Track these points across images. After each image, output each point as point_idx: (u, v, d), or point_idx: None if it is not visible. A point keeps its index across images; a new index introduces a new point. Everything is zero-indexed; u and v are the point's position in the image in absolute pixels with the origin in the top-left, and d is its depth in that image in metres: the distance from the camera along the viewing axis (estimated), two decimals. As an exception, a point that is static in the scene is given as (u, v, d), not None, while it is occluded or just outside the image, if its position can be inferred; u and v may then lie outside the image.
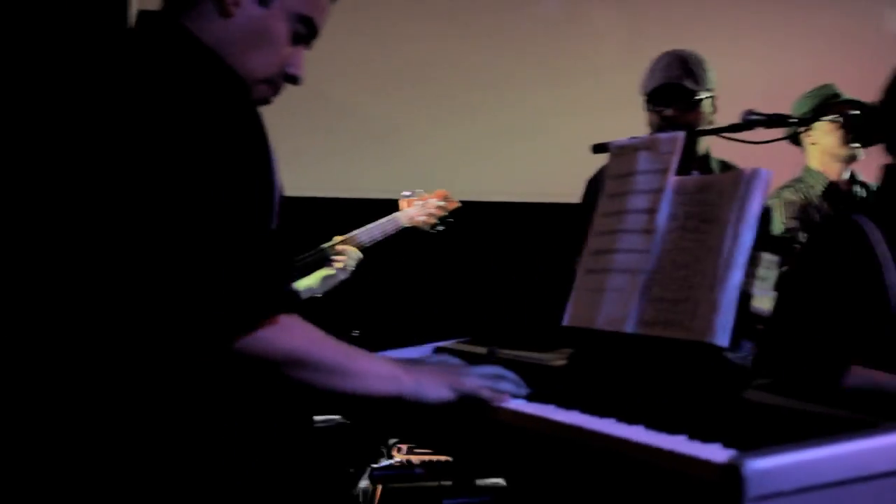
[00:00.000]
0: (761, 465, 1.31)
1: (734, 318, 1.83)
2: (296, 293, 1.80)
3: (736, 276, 1.84)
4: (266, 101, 1.94)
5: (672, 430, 1.58)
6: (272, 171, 1.78)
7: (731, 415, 1.67)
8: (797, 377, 2.13)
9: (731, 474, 1.31)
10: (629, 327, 2.01)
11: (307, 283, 4.15)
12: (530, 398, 1.91)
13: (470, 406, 1.89)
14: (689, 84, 3.80)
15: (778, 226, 4.32)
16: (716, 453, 1.41)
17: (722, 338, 1.82)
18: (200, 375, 1.71)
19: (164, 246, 1.63)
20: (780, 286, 2.33)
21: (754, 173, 1.89)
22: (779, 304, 2.32)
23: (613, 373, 2.00)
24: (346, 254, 4.19)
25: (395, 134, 5.66)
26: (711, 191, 1.97)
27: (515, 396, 1.91)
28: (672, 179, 2.07)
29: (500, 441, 1.89)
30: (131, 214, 1.64)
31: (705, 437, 1.52)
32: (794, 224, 4.36)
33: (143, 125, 1.66)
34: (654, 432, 1.60)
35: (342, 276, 4.19)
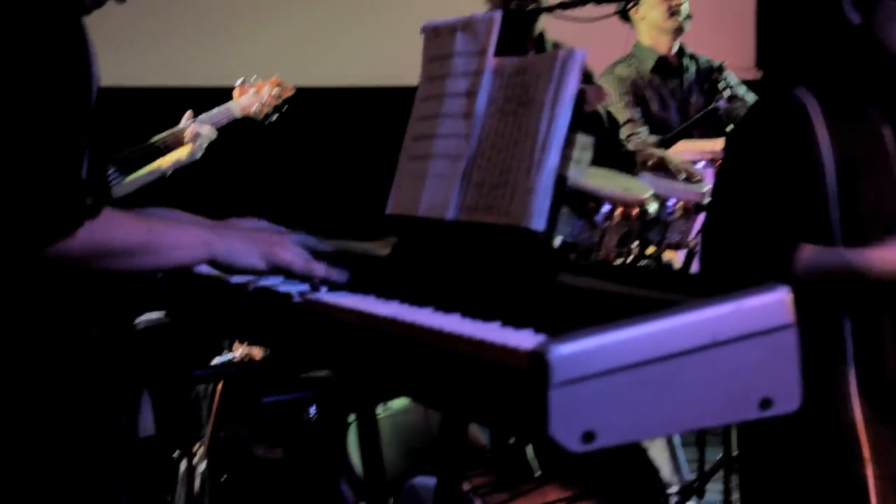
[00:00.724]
0: (566, 349, 1.31)
1: (551, 201, 1.83)
2: (101, 185, 1.79)
3: (552, 160, 1.83)
4: (86, 11, 1.87)
5: (487, 317, 1.58)
6: (86, 65, 1.73)
7: (544, 300, 1.68)
8: (748, 263, 2.15)
9: (536, 360, 1.31)
10: (450, 214, 2.00)
11: (152, 167, 4.05)
12: (352, 289, 1.90)
13: (288, 297, 1.86)
14: None
15: (613, 98, 4.37)
16: (525, 340, 1.41)
17: (538, 221, 1.82)
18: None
19: None
20: (723, 164, 2.35)
21: (569, 54, 1.87)
22: (722, 184, 2.34)
23: (434, 261, 2.00)
24: (198, 133, 4.09)
25: (226, 20, 5.51)
26: (529, 73, 1.95)
27: (326, 283, 1.89)
28: (491, 61, 2.04)
29: (322, 333, 1.87)
30: None
31: (518, 324, 1.52)
32: (627, 98, 4.41)
33: None
34: (470, 320, 1.61)
35: (196, 156, 4.10)
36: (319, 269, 1.90)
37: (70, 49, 1.71)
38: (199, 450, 3.67)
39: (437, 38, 2.14)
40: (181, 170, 4.08)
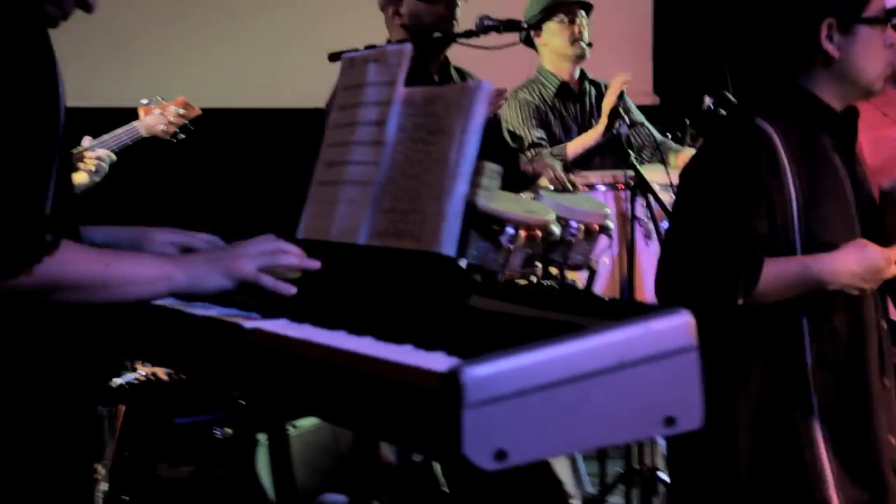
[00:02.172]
0: (479, 371, 1.36)
1: (460, 227, 1.88)
2: (66, 211, 1.75)
3: (461, 187, 1.88)
4: (53, 24, 1.83)
5: (399, 340, 1.62)
6: (56, 89, 1.68)
7: (455, 323, 1.73)
8: (714, 283, 2.20)
9: (450, 382, 1.35)
10: (362, 238, 2.04)
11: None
12: (263, 313, 1.92)
13: (192, 319, 1.87)
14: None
15: (514, 123, 4.45)
16: (437, 362, 1.45)
17: (448, 247, 1.87)
18: None
19: None
20: (685, 190, 2.41)
21: (477, 85, 1.93)
22: (684, 208, 2.39)
23: (346, 285, 2.03)
24: (99, 157, 4.06)
25: (133, 41, 5.47)
26: (438, 102, 2.00)
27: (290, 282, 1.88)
28: (401, 91, 2.09)
29: (235, 356, 1.89)
30: None
31: (430, 346, 1.57)
32: (531, 122, 4.49)
33: None
34: (383, 343, 1.64)
35: (95, 179, 4.07)
36: (290, 264, 1.89)
37: (35, 67, 1.66)
38: (102, 470, 3.64)
39: (352, 68, 2.19)
40: (90, 190, 4.05)
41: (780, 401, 2.30)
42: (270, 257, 1.88)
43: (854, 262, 2.23)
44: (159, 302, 2.02)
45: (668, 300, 2.33)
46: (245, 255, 1.86)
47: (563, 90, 4.62)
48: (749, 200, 2.25)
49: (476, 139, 1.89)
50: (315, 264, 1.89)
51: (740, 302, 2.21)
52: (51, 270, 1.65)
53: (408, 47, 2.07)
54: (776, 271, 2.23)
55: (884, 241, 2.32)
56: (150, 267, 1.81)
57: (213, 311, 1.93)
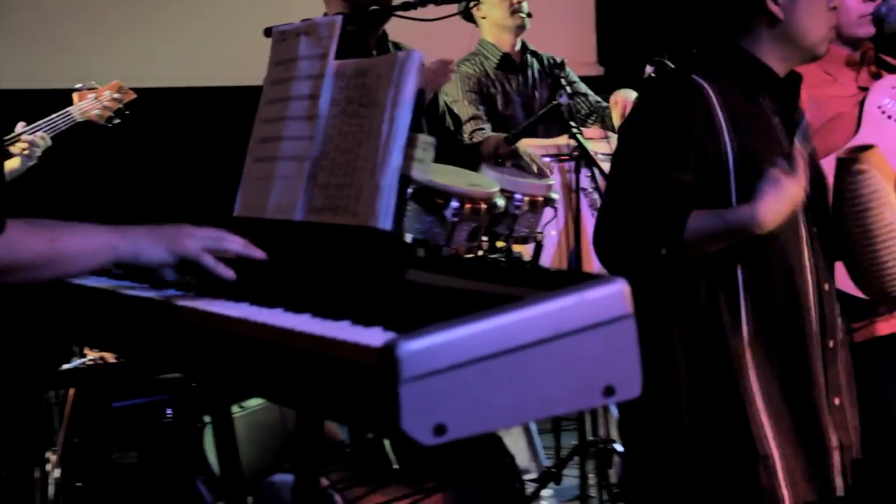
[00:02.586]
0: (415, 345, 1.34)
1: (395, 200, 1.86)
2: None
3: (395, 160, 1.87)
4: None
5: (337, 316, 1.61)
6: None
7: (393, 297, 1.71)
8: (641, 230, 2.20)
9: (386, 357, 1.34)
10: (298, 215, 2.02)
11: None
12: (200, 292, 1.90)
13: (136, 300, 1.85)
14: None
15: (454, 97, 4.42)
16: (374, 337, 1.44)
17: (385, 221, 1.85)
18: None
19: None
20: (620, 145, 2.40)
21: (408, 56, 1.91)
22: (619, 161, 2.39)
23: (283, 262, 2.01)
24: (31, 141, 4.01)
25: (67, 21, 5.39)
26: (369, 75, 1.98)
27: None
28: (333, 64, 2.06)
29: (172, 335, 1.86)
30: None
31: (367, 322, 1.55)
32: (471, 96, 4.47)
33: None
34: (320, 320, 1.63)
35: (29, 164, 4.02)
36: (232, 250, 1.87)
37: None
38: (53, 457, 3.60)
39: (284, 41, 2.16)
40: (26, 175, 3.99)
41: (717, 360, 2.30)
42: (215, 241, 1.86)
43: (772, 202, 2.23)
44: (96, 284, 1.99)
45: (601, 256, 2.33)
46: (191, 236, 1.85)
47: (505, 62, 4.60)
48: (674, 151, 2.26)
49: (408, 111, 1.87)
50: (259, 254, 1.87)
51: (663, 252, 2.21)
52: (2, 253, 1.63)
53: (338, 19, 2.04)
54: (699, 222, 2.24)
55: (833, 205, 2.34)
56: (94, 238, 1.78)
57: (151, 294, 1.91)
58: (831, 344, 2.39)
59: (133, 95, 4.36)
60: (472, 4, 4.22)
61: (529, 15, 4.57)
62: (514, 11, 4.56)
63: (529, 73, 4.67)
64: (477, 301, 1.51)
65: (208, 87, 5.56)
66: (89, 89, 4.31)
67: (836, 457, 2.37)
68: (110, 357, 3.67)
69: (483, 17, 4.60)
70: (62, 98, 4.28)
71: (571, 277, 1.48)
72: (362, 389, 1.42)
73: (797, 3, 2.34)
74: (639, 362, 1.46)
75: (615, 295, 1.44)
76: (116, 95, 4.31)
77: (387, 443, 3.03)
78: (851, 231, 2.40)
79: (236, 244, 1.88)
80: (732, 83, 2.34)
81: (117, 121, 4.34)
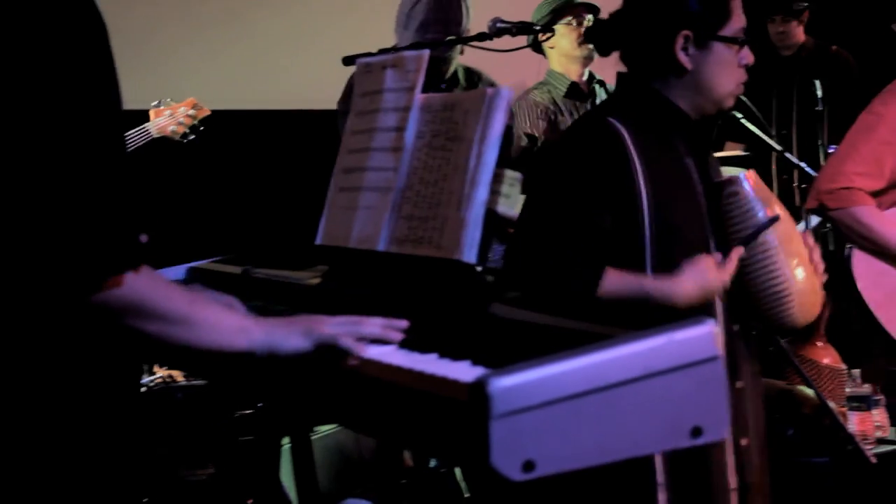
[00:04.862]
0: (506, 382, 1.36)
1: (481, 234, 1.88)
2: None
3: (481, 194, 1.89)
4: None
5: (424, 349, 1.63)
6: (117, 86, 1.58)
7: (478, 331, 1.73)
8: (552, 285, 2.21)
9: (477, 393, 1.36)
10: (381, 245, 2.05)
11: None
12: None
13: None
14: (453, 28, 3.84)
15: (523, 125, 4.45)
16: (463, 372, 1.46)
17: (469, 254, 1.87)
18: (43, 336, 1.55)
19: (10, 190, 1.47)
20: (532, 186, 2.42)
21: (497, 92, 1.93)
22: (532, 205, 2.40)
23: (366, 292, 2.03)
24: None
25: (144, 42, 5.47)
26: (457, 109, 2.00)
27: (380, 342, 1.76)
28: (419, 97, 2.09)
29: (260, 365, 1.89)
30: None
31: (455, 356, 1.57)
32: (541, 124, 4.50)
33: None
34: (406, 351, 1.65)
35: None
36: (369, 334, 1.74)
37: (111, 70, 1.56)
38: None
39: (369, 73, 2.19)
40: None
41: None
42: (353, 326, 1.75)
43: (691, 288, 2.23)
44: None
45: (511, 279, 2.27)
46: (327, 321, 1.75)
47: (573, 90, 4.62)
48: (591, 194, 2.26)
49: (495, 146, 1.89)
50: (397, 336, 1.75)
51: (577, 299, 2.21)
52: (140, 290, 1.55)
53: (425, 53, 2.07)
54: (615, 285, 2.23)
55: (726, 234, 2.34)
56: (230, 317, 1.70)
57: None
58: (738, 385, 2.38)
59: (207, 112, 4.43)
60: (542, 37, 4.24)
61: (598, 45, 4.59)
62: (582, 42, 4.58)
63: (597, 102, 4.68)
64: (563, 338, 1.53)
65: (280, 110, 5.62)
66: (165, 106, 4.39)
67: (734, 499, 2.35)
68: (179, 375, 3.72)
69: (551, 48, 4.62)
70: (138, 118, 4.36)
71: (659, 316, 1.49)
72: (450, 422, 1.44)
73: (707, 58, 2.35)
74: (727, 404, 1.47)
75: (705, 336, 1.45)
76: (191, 112, 4.39)
77: (457, 471, 3.04)
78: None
79: (374, 327, 1.75)
80: (647, 125, 2.35)
81: (192, 137, 4.42)
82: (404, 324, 1.74)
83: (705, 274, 2.24)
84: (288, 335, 1.71)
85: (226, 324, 1.67)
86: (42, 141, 1.48)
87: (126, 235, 1.54)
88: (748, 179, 2.34)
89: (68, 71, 1.51)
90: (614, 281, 2.22)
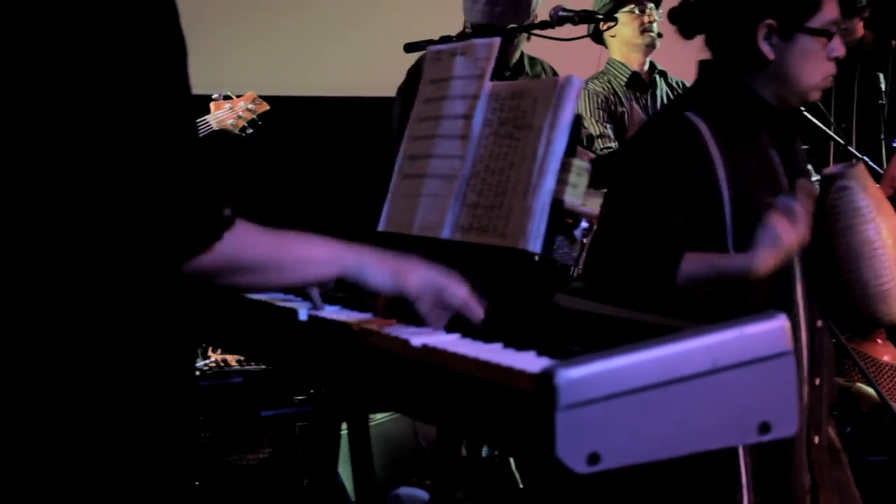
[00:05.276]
0: (573, 373, 1.35)
1: (547, 224, 1.87)
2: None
3: (549, 183, 1.87)
4: None
5: (488, 338, 1.62)
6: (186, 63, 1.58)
7: (543, 321, 1.72)
8: (632, 274, 2.20)
9: (544, 384, 1.35)
10: (445, 233, 2.04)
11: None
12: (349, 306, 1.93)
13: (293, 313, 1.87)
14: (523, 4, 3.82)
15: (585, 113, 4.43)
16: (529, 362, 1.45)
17: (535, 244, 1.86)
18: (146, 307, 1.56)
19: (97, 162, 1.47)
20: (611, 183, 2.41)
21: (567, 81, 1.91)
22: (611, 201, 2.39)
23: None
24: None
25: (199, 28, 5.50)
26: (525, 97, 1.99)
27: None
28: (487, 84, 2.08)
29: (323, 349, 1.89)
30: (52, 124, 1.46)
31: (520, 346, 1.56)
32: (600, 114, 4.47)
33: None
34: (471, 340, 1.64)
35: None
36: (455, 298, 1.74)
37: (171, 27, 1.55)
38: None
39: (439, 61, 2.18)
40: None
41: None
42: (439, 285, 1.75)
43: (769, 253, 2.20)
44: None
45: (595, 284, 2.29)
46: (418, 272, 1.76)
47: (634, 80, 4.59)
48: (667, 193, 2.23)
49: (564, 135, 1.88)
50: (477, 316, 1.74)
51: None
52: (232, 249, 1.56)
53: (496, 41, 2.06)
54: (692, 267, 2.21)
55: (820, 225, 2.30)
56: (321, 248, 1.71)
57: (300, 304, 1.93)
58: (818, 381, 2.35)
59: (266, 107, 4.54)
60: (605, 25, 4.22)
61: (660, 35, 4.56)
62: (645, 30, 4.55)
63: (657, 92, 4.65)
64: (629, 330, 1.52)
65: (340, 97, 5.64)
66: (225, 98, 4.46)
67: (808, 501, 2.32)
68: (233, 359, 3.74)
69: (612, 36, 4.59)
70: (200, 105, 4.40)
71: (727, 309, 1.47)
72: (515, 413, 1.43)
73: (790, 49, 2.30)
74: (796, 400, 1.45)
75: (776, 331, 1.44)
76: (251, 106, 4.50)
77: (512, 461, 3.04)
78: (834, 250, 2.34)
79: (458, 298, 1.75)
80: (728, 117, 2.31)
81: (250, 131, 4.50)
82: (481, 311, 1.74)
83: (777, 235, 2.20)
84: (378, 270, 1.73)
85: (316, 256, 1.69)
86: (117, 119, 1.48)
87: (209, 207, 1.54)
88: (857, 174, 2.30)
89: (141, 50, 1.51)
90: (692, 262, 2.20)
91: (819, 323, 2.36)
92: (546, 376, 1.35)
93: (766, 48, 2.29)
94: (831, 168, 2.42)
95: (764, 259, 2.18)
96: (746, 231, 2.23)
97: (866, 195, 2.30)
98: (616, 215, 2.30)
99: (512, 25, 3.69)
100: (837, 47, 2.33)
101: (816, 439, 2.35)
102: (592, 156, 3.90)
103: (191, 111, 1.58)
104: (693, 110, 2.30)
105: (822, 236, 2.30)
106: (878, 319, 2.34)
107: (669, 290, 2.20)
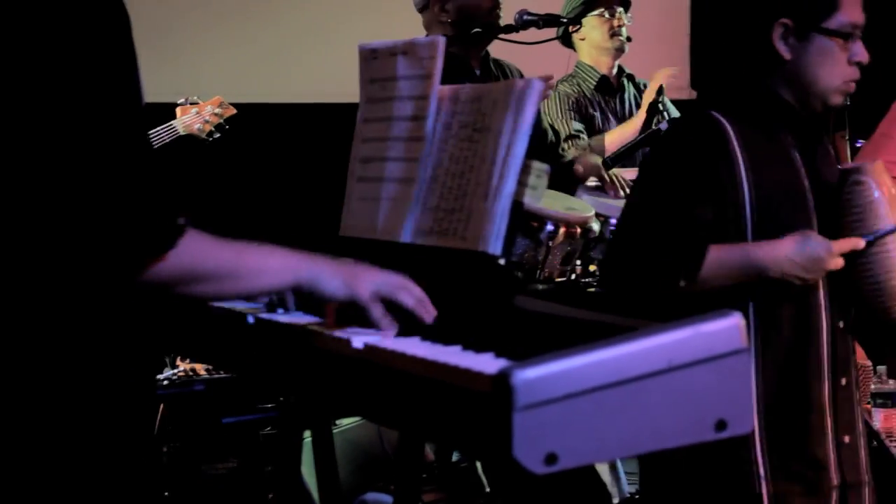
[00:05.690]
0: (529, 374, 1.35)
1: (507, 226, 1.87)
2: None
3: (509, 186, 1.87)
4: None
5: (447, 340, 1.62)
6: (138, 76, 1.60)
7: (502, 323, 1.72)
8: (655, 269, 2.20)
9: (500, 384, 1.35)
10: (405, 237, 2.03)
11: None
12: (308, 311, 1.92)
13: (242, 317, 1.87)
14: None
15: (553, 116, 4.43)
16: (487, 364, 1.45)
17: (495, 246, 1.86)
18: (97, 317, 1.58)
19: (53, 171, 1.48)
20: (639, 179, 2.41)
21: (528, 84, 1.91)
22: (635, 198, 2.40)
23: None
24: None
25: (169, 36, 5.49)
26: (485, 100, 1.98)
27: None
28: (438, 86, 2.06)
29: (279, 354, 1.89)
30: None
31: (479, 348, 1.56)
32: (571, 114, 4.47)
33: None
34: (430, 343, 1.64)
35: None
36: (408, 298, 1.77)
37: (132, 58, 1.58)
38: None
39: (376, 59, 2.16)
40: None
41: None
42: (391, 288, 1.78)
43: (794, 251, 2.21)
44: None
45: (609, 280, 2.29)
46: (369, 278, 1.78)
47: (603, 84, 4.59)
48: (694, 188, 2.24)
49: (525, 138, 1.87)
50: (430, 316, 1.77)
51: (682, 284, 2.19)
52: (189, 258, 1.58)
53: (441, 39, 2.04)
54: (718, 258, 2.22)
55: (838, 227, 2.31)
56: (275, 258, 1.74)
57: (283, 318, 1.92)
58: (843, 381, 2.36)
59: (233, 111, 4.50)
60: (573, 28, 4.22)
61: (629, 39, 4.57)
62: (614, 34, 4.55)
63: (625, 96, 4.66)
64: (588, 330, 1.52)
65: (304, 103, 5.63)
66: (192, 104, 4.44)
67: (834, 497, 2.33)
68: (201, 369, 3.72)
69: (582, 39, 4.59)
70: (165, 112, 4.38)
71: (683, 308, 1.47)
72: (473, 415, 1.43)
73: (807, 49, 2.30)
74: (752, 397, 1.45)
75: (731, 328, 1.44)
76: (217, 110, 4.46)
77: (478, 465, 3.03)
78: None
79: (411, 299, 1.78)
80: (752, 119, 2.32)
81: (217, 135, 4.47)
82: (434, 311, 1.76)
83: (810, 242, 2.21)
84: (332, 277, 1.75)
85: (271, 265, 1.72)
86: (66, 130, 1.49)
87: (162, 216, 1.56)
88: (874, 170, 2.31)
89: (92, 61, 1.52)
90: (716, 253, 2.21)
91: (841, 324, 2.36)
92: (503, 377, 1.35)
93: (782, 48, 2.29)
94: (848, 163, 2.42)
95: (790, 259, 2.20)
96: (766, 234, 2.23)
97: (881, 191, 2.31)
98: (644, 207, 2.31)
99: (475, 30, 3.68)
100: (860, 52, 2.31)
101: (847, 439, 2.35)
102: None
103: (142, 122, 1.59)
104: (718, 110, 2.30)
105: (836, 230, 2.30)
106: (891, 315, 2.35)
107: (638, 290, 2.20)
